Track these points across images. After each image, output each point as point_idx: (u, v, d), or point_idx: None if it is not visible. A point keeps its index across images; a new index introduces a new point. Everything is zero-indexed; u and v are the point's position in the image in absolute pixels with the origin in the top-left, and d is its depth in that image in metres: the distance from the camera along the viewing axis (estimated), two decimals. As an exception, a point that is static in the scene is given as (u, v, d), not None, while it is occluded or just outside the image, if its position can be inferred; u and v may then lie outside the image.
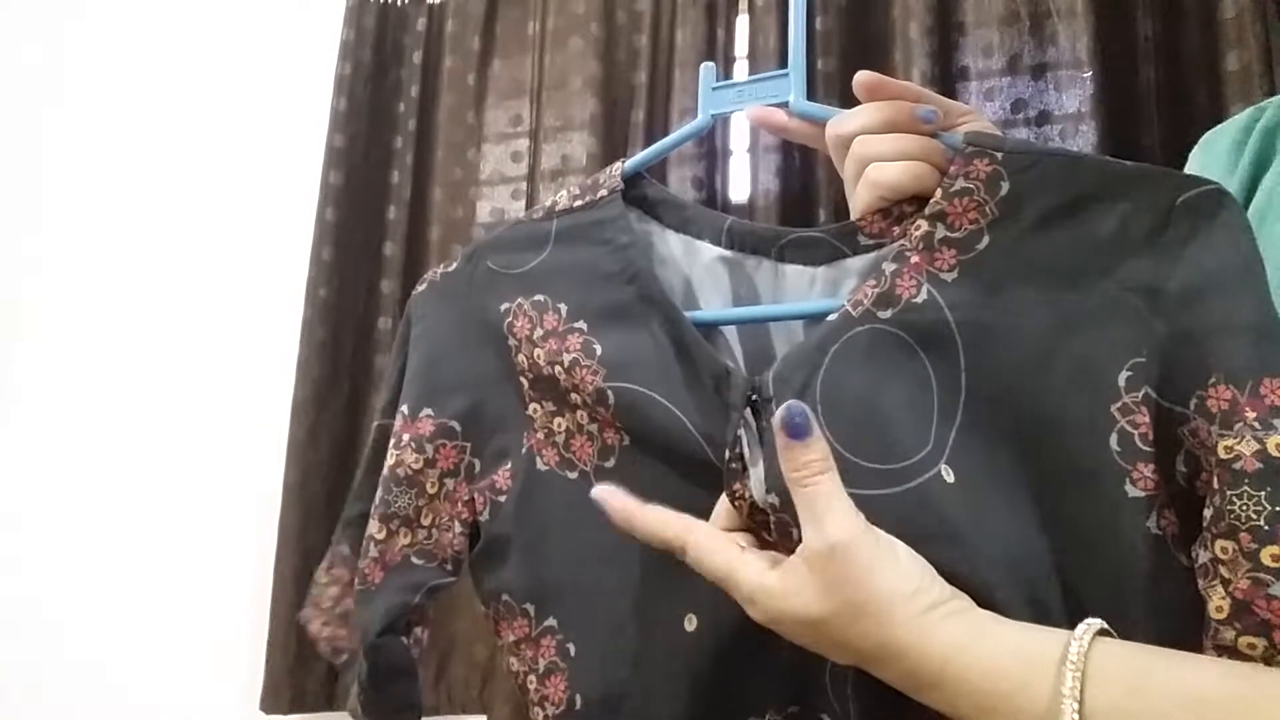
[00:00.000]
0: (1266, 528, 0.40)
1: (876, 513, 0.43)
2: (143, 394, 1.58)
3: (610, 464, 0.54)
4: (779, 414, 0.43)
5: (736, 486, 0.47)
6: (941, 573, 0.43)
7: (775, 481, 0.45)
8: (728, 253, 0.58)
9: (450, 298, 0.61)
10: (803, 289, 0.56)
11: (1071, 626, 0.40)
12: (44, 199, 1.70)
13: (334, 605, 0.62)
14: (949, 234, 0.49)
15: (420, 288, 0.63)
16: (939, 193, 0.50)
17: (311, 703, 1.36)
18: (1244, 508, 0.41)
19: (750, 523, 0.48)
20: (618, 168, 0.59)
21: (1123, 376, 0.45)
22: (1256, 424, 0.41)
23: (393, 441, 0.59)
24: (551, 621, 0.54)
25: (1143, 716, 0.37)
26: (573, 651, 0.53)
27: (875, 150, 0.53)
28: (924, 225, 0.50)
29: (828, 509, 0.42)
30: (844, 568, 0.41)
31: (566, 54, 1.40)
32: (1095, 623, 0.40)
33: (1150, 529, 0.44)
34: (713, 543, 0.45)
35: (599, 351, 0.55)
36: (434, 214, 1.43)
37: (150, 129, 1.67)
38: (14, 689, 1.53)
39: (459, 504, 0.58)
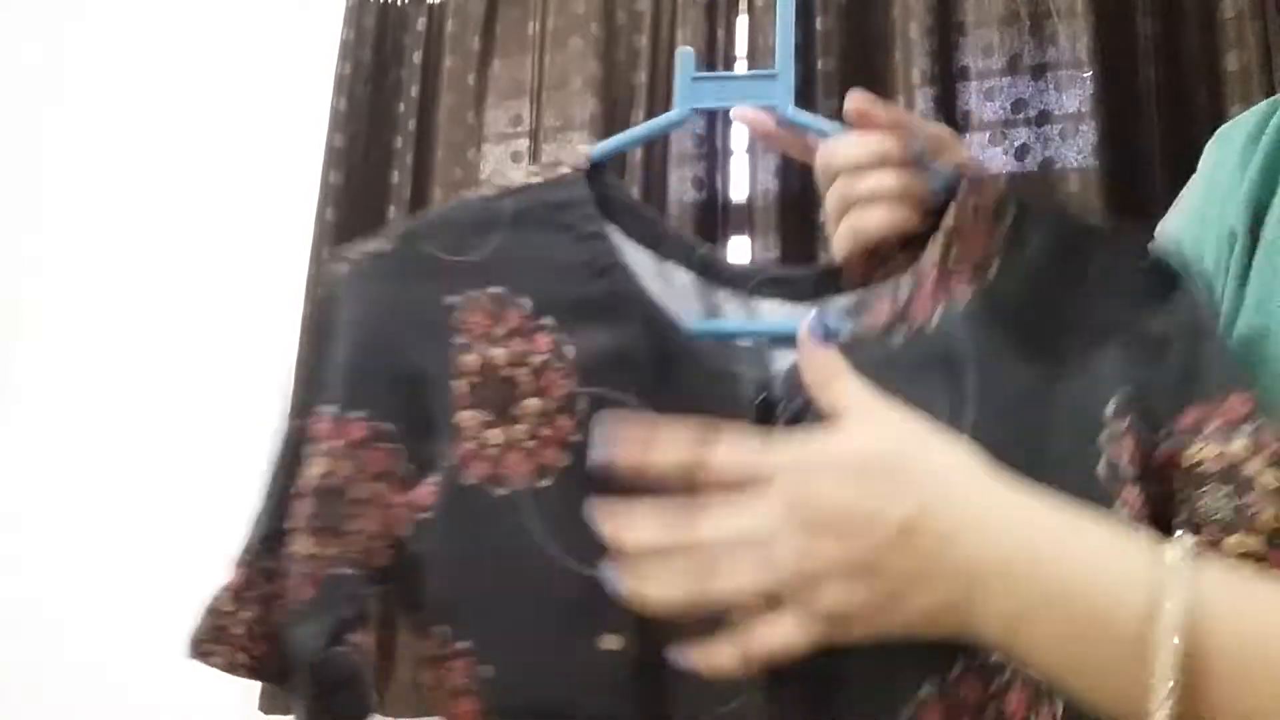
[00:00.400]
0: (1231, 519, 0.44)
1: None
2: (142, 394, 1.58)
3: (545, 484, 0.50)
4: (810, 319, 0.44)
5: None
6: None
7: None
8: (698, 280, 0.55)
9: (381, 283, 0.54)
10: (784, 321, 0.53)
11: None
12: (44, 198, 1.70)
13: (248, 630, 0.57)
14: (963, 254, 0.50)
15: (342, 269, 0.55)
16: (954, 209, 0.50)
17: (311, 703, 1.35)
18: (1208, 505, 0.44)
19: None
20: (584, 147, 0.55)
21: (1109, 408, 0.47)
22: (1220, 433, 0.45)
23: (319, 447, 0.52)
24: (466, 644, 0.50)
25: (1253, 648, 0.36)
26: (489, 674, 0.49)
27: (858, 192, 0.53)
28: (940, 242, 0.50)
29: (859, 393, 0.43)
30: (896, 426, 0.42)
31: (566, 54, 1.40)
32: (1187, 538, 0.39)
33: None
34: (740, 440, 0.44)
35: (571, 354, 0.51)
36: (434, 196, 1.43)
37: (150, 129, 1.67)
38: (14, 689, 1.53)
39: (388, 512, 0.52)
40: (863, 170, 0.53)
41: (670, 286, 0.55)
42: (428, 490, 0.51)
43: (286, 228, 1.51)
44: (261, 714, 1.33)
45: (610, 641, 0.48)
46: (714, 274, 0.55)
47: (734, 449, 0.43)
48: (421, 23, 1.50)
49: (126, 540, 1.54)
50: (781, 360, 0.51)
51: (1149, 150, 1.08)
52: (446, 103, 1.46)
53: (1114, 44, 1.13)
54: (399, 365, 0.52)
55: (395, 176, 1.47)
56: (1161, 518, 0.46)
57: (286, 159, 1.56)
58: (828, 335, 0.44)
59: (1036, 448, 0.47)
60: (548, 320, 0.52)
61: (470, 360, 0.52)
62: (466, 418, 0.51)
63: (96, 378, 1.60)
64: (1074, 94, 1.17)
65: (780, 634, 0.41)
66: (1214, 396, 0.46)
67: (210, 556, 1.55)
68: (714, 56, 1.30)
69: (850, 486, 0.41)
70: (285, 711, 1.34)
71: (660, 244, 0.55)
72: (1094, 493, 0.45)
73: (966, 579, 0.39)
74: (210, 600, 0.59)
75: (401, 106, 1.49)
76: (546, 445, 0.50)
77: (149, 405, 1.57)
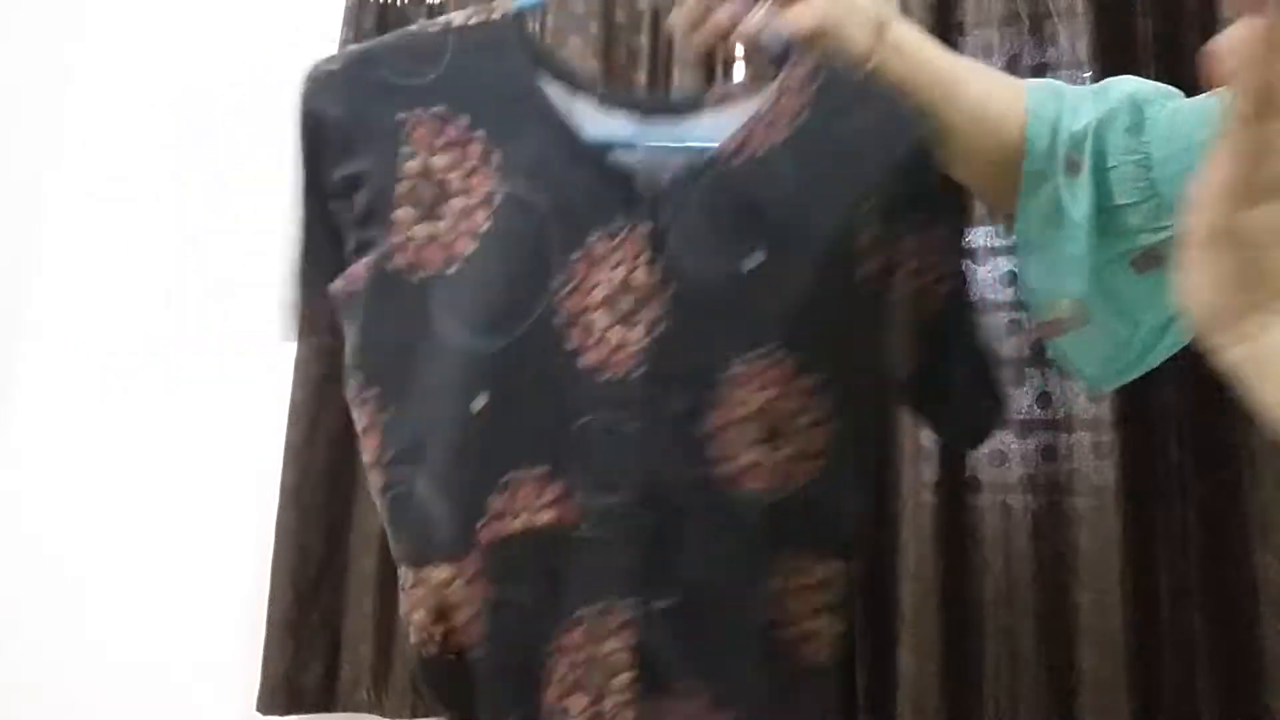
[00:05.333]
0: None
1: (711, 279, 0.63)
2: (140, 394, 1.58)
3: (451, 271, 0.63)
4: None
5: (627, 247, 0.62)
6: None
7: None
8: (602, 106, 0.68)
9: (341, 97, 0.67)
10: (665, 136, 0.68)
11: None
12: (45, 197, 1.70)
13: None
14: (786, 106, 0.67)
15: (308, 85, 0.68)
16: (786, 70, 0.68)
17: (309, 703, 1.35)
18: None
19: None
20: (508, 2, 0.68)
21: (864, 207, 0.65)
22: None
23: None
24: (374, 391, 0.65)
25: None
26: (386, 419, 0.64)
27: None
28: (771, 98, 0.67)
29: None
30: None
31: (566, 53, 1.40)
32: None
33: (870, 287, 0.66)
34: None
35: (496, 160, 0.63)
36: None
37: (150, 128, 1.67)
38: (13, 689, 1.53)
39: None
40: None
41: (577, 110, 0.67)
42: (362, 267, 0.65)
43: (286, 227, 1.50)
44: (259, 715, 1.33)
45: (474, 399, 0.61)
46: (612, 101, 0.69)
47: None
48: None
49: (124, 540, 1.54)
50: (669, 167, 0.65)
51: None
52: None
53: (1114, 44, 1.13)
54: (352, 166, 0.65)
55: (395, 176, 1.47)
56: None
57: (286, 159, 1.56)
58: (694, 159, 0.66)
59: (811, 234, 0.64)
60: (479, 133, 0.64)
61: (413, 166, 0.64)
62: (401, 214, 0.64)
63: (95, 378, 1.61)
64: (1074, 94, 1.16)
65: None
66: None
67: (207, 557, 1.55)
68: (713, 56, 1.30)
69: None
70: (283, 712, 1.33)
71: (571, 79, 0.68)
72: (851, 260, 0.65)
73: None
74: None
75: (401, 106, 1.49)
76: (460, 237, 0.63)
77: (146, 405, 1.57)
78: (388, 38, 0.70)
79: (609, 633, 0.61)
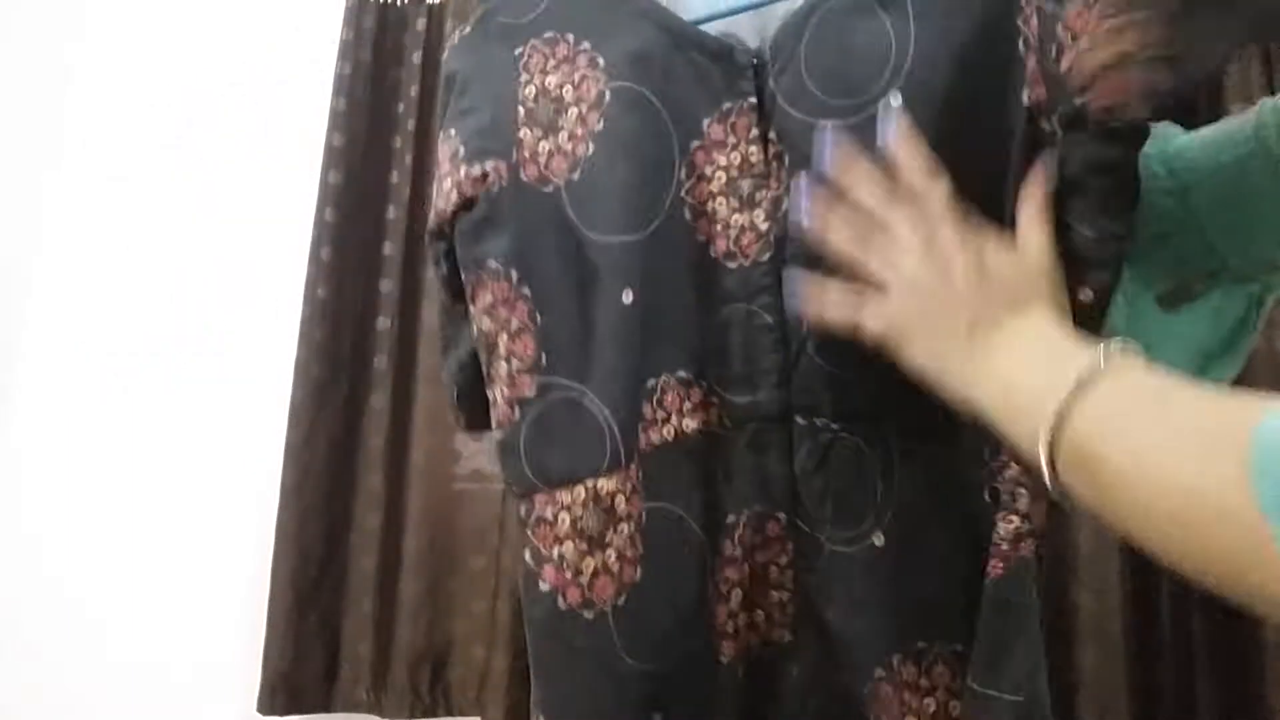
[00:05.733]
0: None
1: (835, 139, 0.56)
2: (140, 394, 1.58)
3: (576, 176, 0.63)
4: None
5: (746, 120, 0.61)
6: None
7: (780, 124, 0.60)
8: None
9: (471, 52, 0.70)
10: None
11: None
12: (44, 197, 1.70)
13: None
14: None
15: (447, 51, 0.72)
16: None
17: (308, 704, 1.35)
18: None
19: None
20: None
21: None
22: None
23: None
24: (527, 291, 0.63)
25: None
26: (539, 319, 0.63)
27: None
28: None
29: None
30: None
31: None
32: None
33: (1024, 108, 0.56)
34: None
35: (602, 62, 0.64)
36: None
37: (150, 128, 1.67)
38: (13, 689, 1.53)
39: (459, 174, 0.67)
40: None
41: None
42: (500, 169, 0.65)
43: (286, 227, 1.51)
44: (259, 715, 1.33)
45: (628, 295, 0.61)
46: None
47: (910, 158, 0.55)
48: (421, 23, 1.50)
49: (123, 540, 1.53)
50: (773, 22, 0.62)
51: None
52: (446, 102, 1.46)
53: (1114, 44, 1.13)
54: (488, 101, 0.67)
55: (395, 176, 1.47)
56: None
57: (286, 159, 1.56)
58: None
59: (962, 62, 0.56)
60: (585, 45, 0.65)
61: (530, 90, 0.66)
62: (524, 134, 0.65)
63: (95, 378, 1.60)
64: (1074, 94, 1.16)
65: (865, 311, 0.54)
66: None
67: (207, 557, 1.55)
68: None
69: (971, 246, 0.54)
70: (283, 712, 1.33)
71: None
72: (1015, 74, 0.55)
73: (982, 350, 0.52)
74: None
75: (401, 106, 1.49)
76: (578, 143, 0.64)
77: (147, 405, 1.57)
78: None
79: (764, 544, 0.60)
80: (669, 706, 0.60)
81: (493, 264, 0.64)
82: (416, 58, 1.49)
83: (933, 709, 0.58)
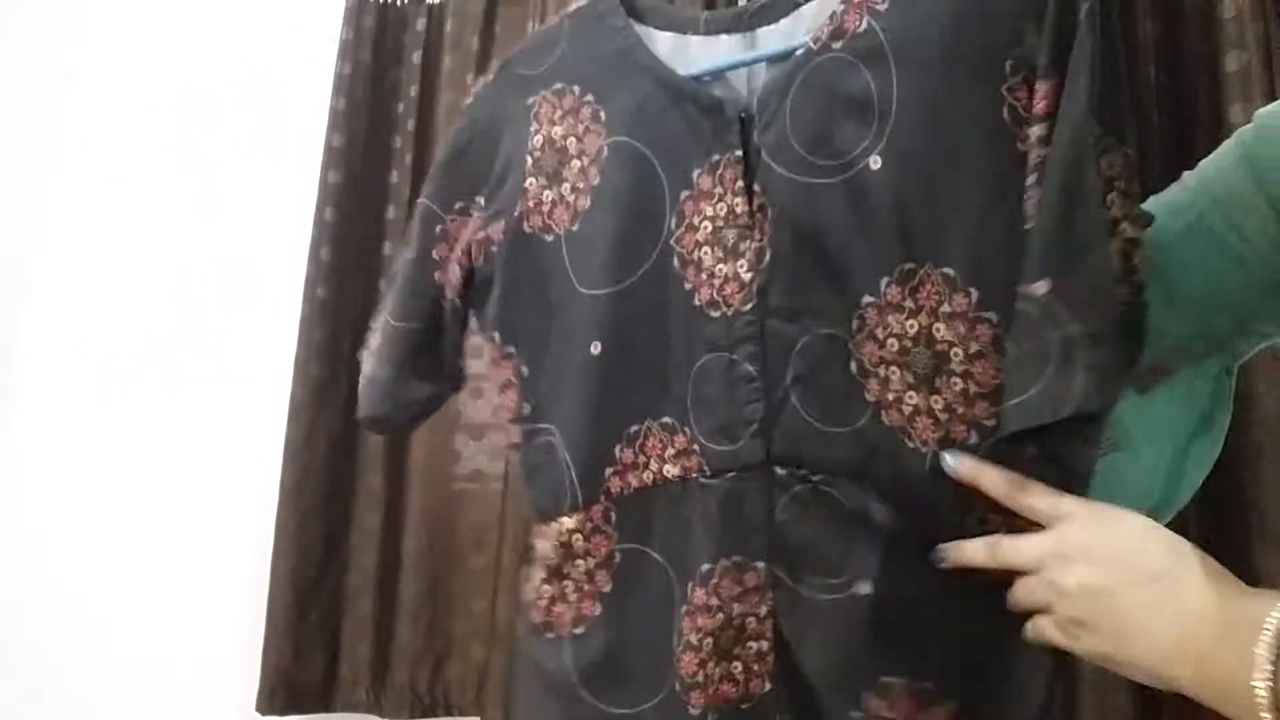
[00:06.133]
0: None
1: (824, 197, 0.58)
2: (140, 394, 1.58)
3: (576, 227, 0.67)
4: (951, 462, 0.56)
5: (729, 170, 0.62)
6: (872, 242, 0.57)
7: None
8: (707, 37, 0.68)
9: (490, 103, 0.73)
10: (774, 43, 0.66)
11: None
12: (44, 197, 1.70)
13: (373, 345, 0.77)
14: None
15: (469, 100, 0.75)
16: None
17: (308, 704, 1.35)
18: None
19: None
20: None
21: (1008, 65, 0.55)
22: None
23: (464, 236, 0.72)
24: (511, 349, 0.69)
25: None
26: (525, 372, 0.68)
27: None
28: None
29: (1060, 496, 0.55)
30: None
31: None
32: None
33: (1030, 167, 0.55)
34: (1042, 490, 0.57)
35: (604, 116, 0.67)
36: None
37: (150, 128, 1.67)
38: (13, 689, 1.53)
39: (473, 242, 0.72)
40: None
41: (686, 51, 0.68)
42: (498, 231, 0.69)
43: (285, 227, 1.51)
44: (259, 715, 1.33)
45: (595, 347, 0.64)
46: (717, 27, 0.68)
47: (1040, 495, 0.55)
48: (421, 23, 1.50)
49: (123, 540, 1.54)
50: (757, 81, 0.65)
51: (1149, 151, 1.08)
52: (446, 102, 1.46)
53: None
54: (498, 152, 0.71)
55: (395, 176, 1.47)
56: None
57: (286, 159, 1.56)
58: (784, 56, 0.59)
59: (952, 103, 0.57)
60: (589, 97, 0.68)
61: (538, 140, 0.69)
62: (530, 183, 0.69)
63: (95, 378, 1.60)
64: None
65: (1041, 630, 0.56)
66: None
67: (207, 557, 1.55)
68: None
69: (1128, 538, 0.53)
70: (282, 712, 1.33)
71: (675, 24, 0.69)
72: (1002, 132, 0.55)
73: (1173, 658, 0.50)
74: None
75: (401, 106, 1.49)
76: (579, 195, 0.67)
77: (147, 404, 1.57)
78: (527, 38, 0.77)
79: (742, 595, 0.60)
80: None
81: (488, 328, 0.70)
82: (416, 58, 1.49)
83: None
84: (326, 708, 1.36)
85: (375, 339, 0.77)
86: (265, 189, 1.59)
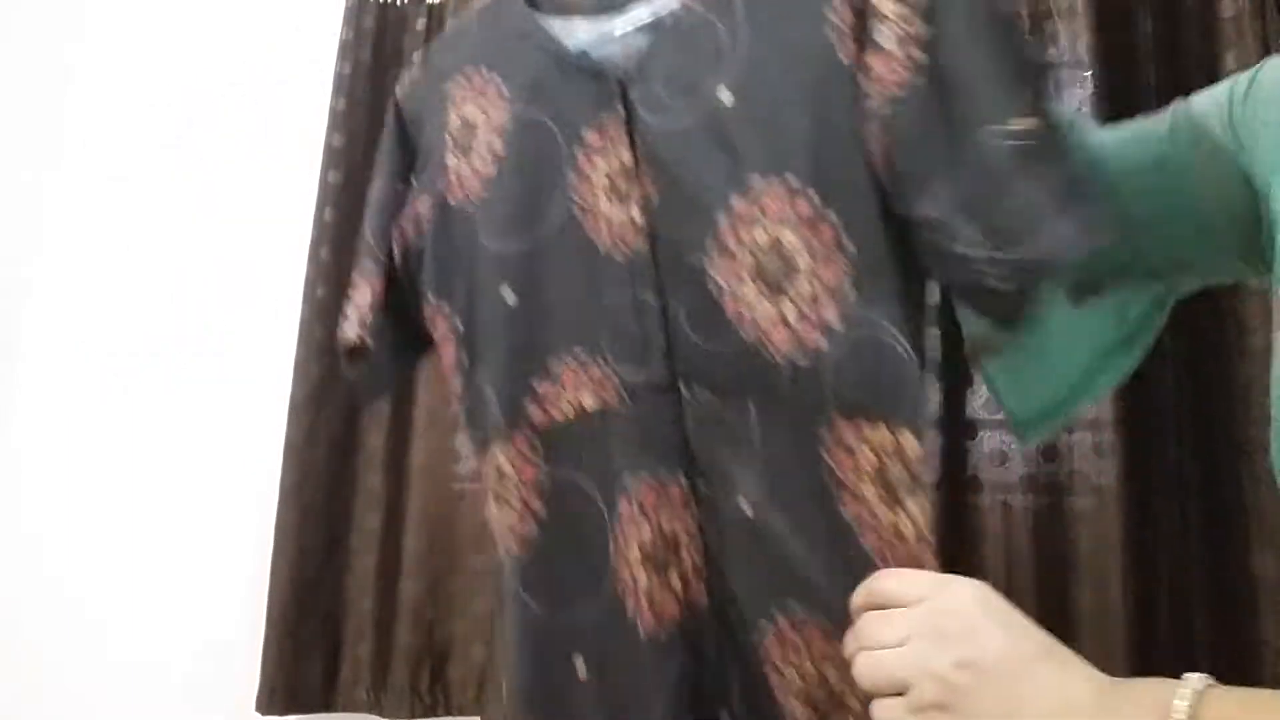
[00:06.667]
0: None
1: (689, 136, 0.64)
2: (140, 394, 1.58)
3: (486, 194, 0.74)
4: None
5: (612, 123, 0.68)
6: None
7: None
8: (592, 16, 0.74)
9: (416, 94, 0.81)
10: (647, 14, 0.71)
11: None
12: (44, 197, 1.70)
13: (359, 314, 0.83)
14: None
15: (398, 91, 0.82)
16: None
17: (308, 703, 1.35)
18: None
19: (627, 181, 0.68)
20: None
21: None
22: None
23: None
24: (446, 307, 0.75)
25: None
26: (460, 327, 0.75)
27: None
28: None
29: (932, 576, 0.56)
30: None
31: None
32: (1199, 678, 0.45)
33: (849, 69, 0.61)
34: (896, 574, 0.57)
35: (506, 92, 0.74)
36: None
37: (150, 128, 1.67)
38: (13, 689, 1.53)
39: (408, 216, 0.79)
40: None
41: (574, 31, 0.74)
42: (425, 206, 0.77)
43: (286, 227, 1.51)
44: (258, 715, 1.33)
45: (506, 294, 0.71)
46: (601, 8, 0.74)
47: (890, 581, 0.55)
48: (421, 23, 1.50)
49: (123, 540, 1.54)
50: (633, 48, 0.70)
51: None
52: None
53: (1114, 44, 1.13)
54: (421, 136, 0.79)
55: (395, 176, 1.47)
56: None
57: (286, 159, 1.56)
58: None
59: (783, 29, 0.63)
60: (494, 76, 0.75)
61: (454, 120, 0.76)
62: (450, 160, 0.76)
63: (95, 378, 1.60)
64: (1074, 94, 1.17)
65: (886, 714, 0.52)
66: None
67: (207, 557, 1.55)
68: None
69: (978, 613, 0.51)
70: (282, 712, 1.33)
71: (564, 9, 0.75)
72: (826, 45, 0.61)
73: None
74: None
75: (401, 106, 1.49)
76: (488, 164, 0.74)
77: (147, 404, 1.57)
78: (445, 31, 0.82)
79: (668, 507, 0.66)
80: (588, 656, 0.69)
81: (422, 289, 0.78)
82: (416, 58, 1.49)
83: (812, 672, 0.62)
84: (326, 708, 1.36)
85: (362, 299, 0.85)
86: (265, 189, 1.59)
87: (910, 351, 0.59)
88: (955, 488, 1.15)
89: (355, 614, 1.38)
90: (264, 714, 1.33)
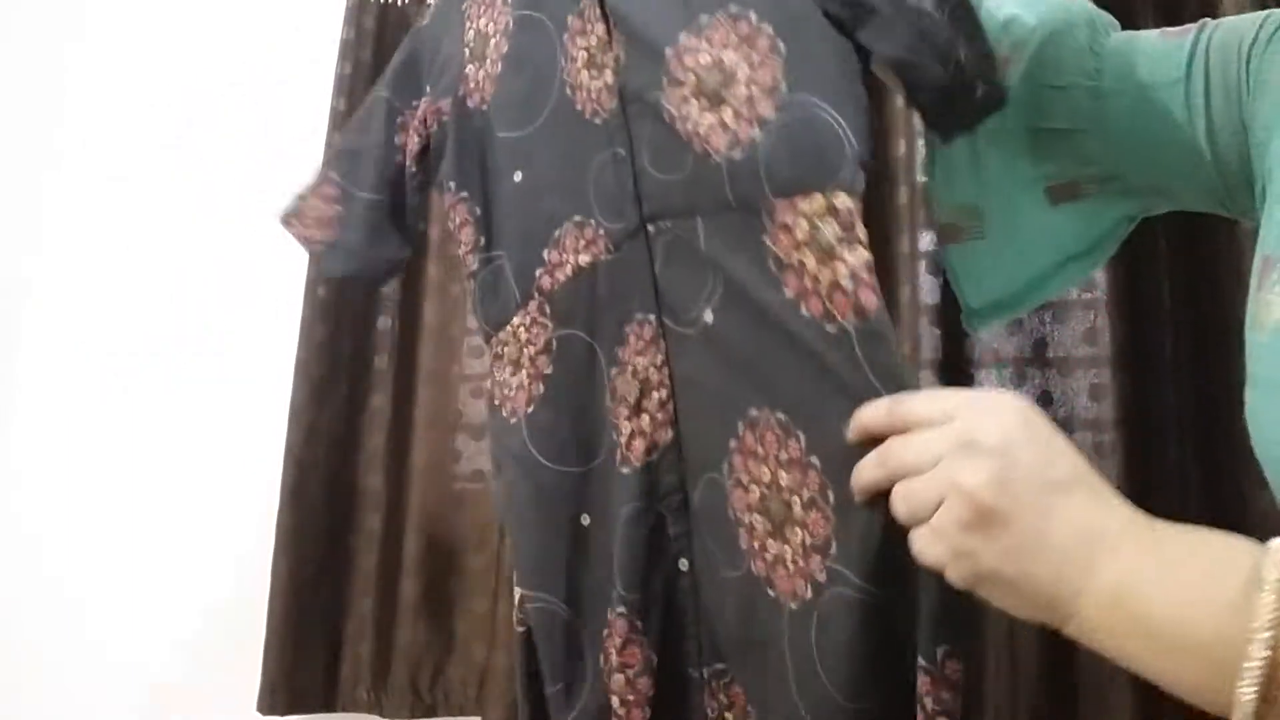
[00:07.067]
0: None
1: (648, 23, 0.69)
2: (140, 394, 1.58)
3: (494, 90, 0.80)
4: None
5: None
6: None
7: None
8: None
9: (435, 18, 0.89)
10: None
11: None
12: (44, 197, 1.70)
13: (317, 216, 0.92)
14: None
15: (428, 15, 0.90)
16: None
17: (308, 704, 1.35)
18: None
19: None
20: None
21: None
22: None
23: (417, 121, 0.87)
24: (464, 194, 0.82)
25: None
26: (478, 212, 0.81)
27: None
28: None
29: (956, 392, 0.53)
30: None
31: None
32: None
33: None
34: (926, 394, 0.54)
35: (511, 2, 0.81)
36: (433, 213, 1.43)
37: (151, 128, 1.67)
38: (13, 689, 1.53)
39: (429, 113, 0.86)
40: None
41: None
42: (446, 105, 0.84)
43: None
44: (259, 715, 1.33)
45: (516, 176, 0.79)
46: None
47: (917, 402, 0.52)
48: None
49: (123, 540, 1.54)
50: None
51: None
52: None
53: (1114, 44, 1.13)
54: (439, 52, 0.86)
55: (395, 176, 1.47)
56: None
57: (287, 158, 1.56)
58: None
59: None
60: None
61: (471, 33, 0.84)
62: (469, 69, 0.83)
63: (96, 378, 1.60)
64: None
65: (920, 544, 0.50)
66: None
67: (207, 557, 1.55)
68: None
69: (1015, 429, 0.48)
70: (283, 712, 1.33)
71: None
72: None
73: (1078, 571, 0.45)
74: (303, 192, 0.94)
75: (401, 106, 1.49)
76: (495, 65, 0.81)
77: (147, 405, 1.57)
78: None
79: (643, 348, 0.70)
80: (592, 509, 0.73)
81: (443, 180, 0.84)
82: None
83: (767, 478, 0.63)
84: (326, 708, 1.36)
85: (323, 209, 0.92)
86: (265, 189, 1.58)
87: (841, 122, 0.60)
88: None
89: (355, 614, 1.38)
90: (264, 714, 1.33)
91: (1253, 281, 0.54)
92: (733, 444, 0.65)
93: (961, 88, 0.60)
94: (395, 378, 1.41)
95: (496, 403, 0.79)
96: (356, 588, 1.38)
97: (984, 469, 0.47)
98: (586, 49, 0.75)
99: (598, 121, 0.73)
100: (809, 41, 0.63)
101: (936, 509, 0.48)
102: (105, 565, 1.54)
